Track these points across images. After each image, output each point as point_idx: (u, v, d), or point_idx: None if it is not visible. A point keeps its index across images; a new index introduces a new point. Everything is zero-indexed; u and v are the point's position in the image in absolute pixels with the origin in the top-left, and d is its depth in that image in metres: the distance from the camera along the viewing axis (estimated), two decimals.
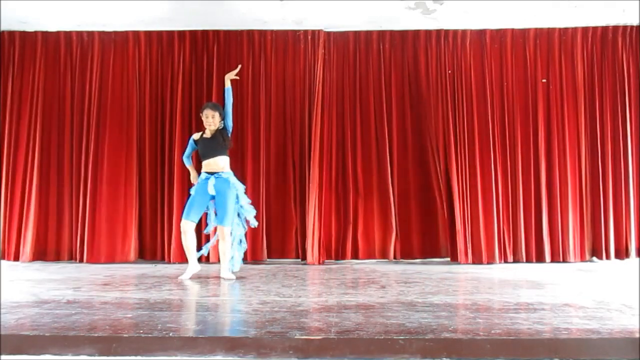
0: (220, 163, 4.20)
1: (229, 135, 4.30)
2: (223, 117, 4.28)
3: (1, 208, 5.52)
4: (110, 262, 5.35)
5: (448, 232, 5.51)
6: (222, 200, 4.12)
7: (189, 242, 4.12)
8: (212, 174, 4.16)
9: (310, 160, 5.51)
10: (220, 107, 4.33)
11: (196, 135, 4.38)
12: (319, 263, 5.34)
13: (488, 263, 5.36)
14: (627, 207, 5.51)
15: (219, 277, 4.14)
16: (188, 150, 4.44)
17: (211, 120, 4.22)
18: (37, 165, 5.57)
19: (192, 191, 4.24)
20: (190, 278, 4.11)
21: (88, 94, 5.66)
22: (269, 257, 5.48)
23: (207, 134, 4.28)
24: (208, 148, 4.23)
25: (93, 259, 5.37)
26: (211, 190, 4.09)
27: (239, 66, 4.65)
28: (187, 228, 4.09)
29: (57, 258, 5.52)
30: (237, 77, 4.55)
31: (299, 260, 5.50)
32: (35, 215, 5.51)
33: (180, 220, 4.20)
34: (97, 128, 5.59)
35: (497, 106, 5.65)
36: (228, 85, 4.36)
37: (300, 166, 5.58)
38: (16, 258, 5.44)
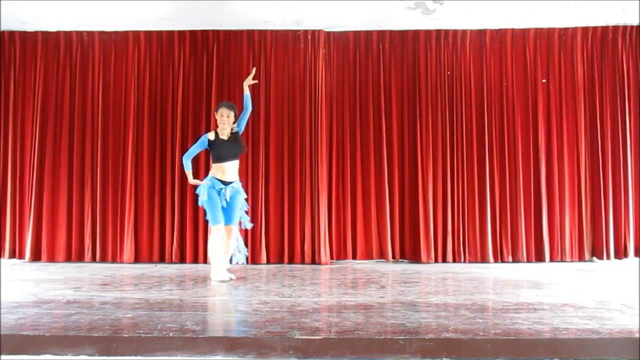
0: (236, 170, 4.17)
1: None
2: (236, 120, 4.22)
3: (7, 206, 5.54)
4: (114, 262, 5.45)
5: (448, 232, 5.50)
6: (233, 205, 4.13)
7: (224, 244, 4.09)
8: (226, 184, 4.10)
9: (310, 161, 5.52)
10: (235, 107, 4.24)
11: (211, 135, 4.18)
12: (319, 263, 5.34)
13: (486, 262, 5.39)
14: (627, 207, 5.51)
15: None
16: (194, 149, 4.19)
17: (226, 120, 4.13)
18: (38, 164, 5.58)
19: (205, 196, 4.05)
20: (217, 279, 4.01)
21: (88, 94, 5.67)
22: (268, 259, 5.46)
23: (224, 136, 4.17)
24: (227, 151, 4.13)
25: (98, 259, 5.48)
26: (224, 204, 4.07)
27: (254, 69, 4.56)
28: (222, 229, 4.06)
29: (69, 258, 5.53)
30: (256, 81, 4.48)
31: (299, 261, 5.49)
32: (38, 215, 5.53)
33: (212, 226, 4.06)
34: (97, 127, 5.61)
35: (496, 106, 5.66)
36: (247, 92, 4.26)
37: (301, 166, 5.57)
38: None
